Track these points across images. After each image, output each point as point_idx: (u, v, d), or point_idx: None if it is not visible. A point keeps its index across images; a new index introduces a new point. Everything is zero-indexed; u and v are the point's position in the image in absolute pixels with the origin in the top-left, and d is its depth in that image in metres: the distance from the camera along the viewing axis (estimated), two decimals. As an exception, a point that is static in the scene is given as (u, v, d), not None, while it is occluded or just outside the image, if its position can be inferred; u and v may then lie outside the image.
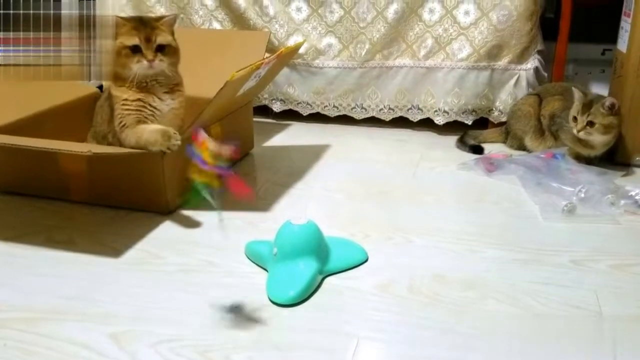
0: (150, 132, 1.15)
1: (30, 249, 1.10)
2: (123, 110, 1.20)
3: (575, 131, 1.37)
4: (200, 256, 1.07)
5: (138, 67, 1.18)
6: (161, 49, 1.19)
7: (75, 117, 1.45)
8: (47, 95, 1.46)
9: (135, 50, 1.17)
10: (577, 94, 1.39)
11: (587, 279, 0.98)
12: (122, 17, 1.19)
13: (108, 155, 1.21)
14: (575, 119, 1.38)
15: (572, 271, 1.01)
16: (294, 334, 0.85)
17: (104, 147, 1.24)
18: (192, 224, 1.18)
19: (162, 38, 1.19)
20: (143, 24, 1.18)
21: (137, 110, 1.20)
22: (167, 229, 1.17)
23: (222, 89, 1.13)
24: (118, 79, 1.21)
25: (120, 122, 1.19)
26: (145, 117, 1.20)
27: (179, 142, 1.12)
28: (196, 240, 1.13)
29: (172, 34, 1.23)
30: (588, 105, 1.36)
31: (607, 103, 1.34)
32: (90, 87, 1.63)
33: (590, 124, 1.35)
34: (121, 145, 1.20)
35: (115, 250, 1.09)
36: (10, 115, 1.32)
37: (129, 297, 0.94)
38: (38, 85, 1.50)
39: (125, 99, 1.20)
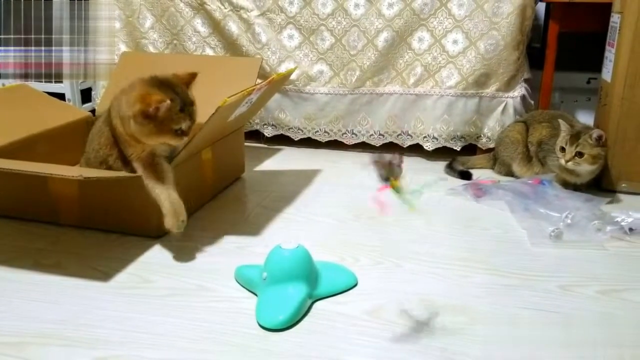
0: (164, 199, 1.12)
1: (18, 273, 1.09)
2: (137, 149, 1.16)
3: (563, 162, 1.39)
4: (189, 280, 1.07)
5: (178, 143, 1.13)
6: None
7: (66, 141, 1.46)
8: (39, 119, 1.47)
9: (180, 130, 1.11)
10: (563, 126, 1.41)
11: (575, 305, 0.99)
12: (155, 90, 1.07)
13: (99, 180, 1.21)
14: (562, 149, 1.40)
15: (560, 297, 1.01)
16: (283, 359, 0.85)
17: (94, 171, 1.24)
18: (182, 248, 1.18)
19: (195, 112, 1.13)
20: (184, 102, 1.10)
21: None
22: (156, 253, 1.17)
23: (213, 114, 1.14)
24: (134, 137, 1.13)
25: (132, 153, 1.16)
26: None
27: (181, 231, 1.12)
28: (186, 265, 1.12)
29: None
30: (576, 136, 1.38)
31: (595, 135, 1.37)
32: (82, 112, 1.64)
33: (579, 154, 1.37)
34: (132, 170, 1.17)
35: (104, 274, 1.09)
36: (2, 139, 1.33)
37: (117, 321, 0.94)
38: (30, 109, 1.51)
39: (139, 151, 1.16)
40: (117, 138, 1.18)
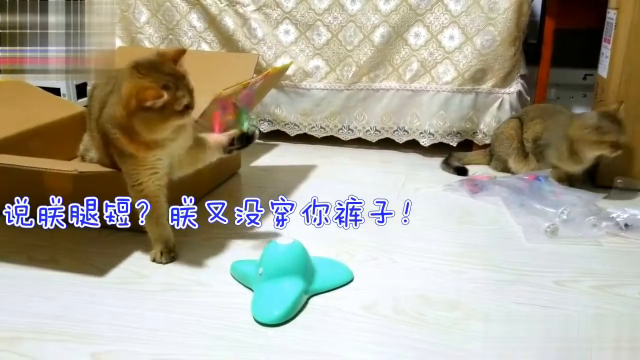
0: (158, 232, 1.12)
1: (13, 268, 1.09)
2: (138, 167, 1.09)
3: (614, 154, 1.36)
4: (184, 275, 1.06)
5: (187, 120, 1.06)
6: None
7: (61, 137, 1.45)
8: (34, 114, 1.46)
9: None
10: (592, 119, 1.37)
11: (570, 300, 0.99)
12: (145, 80, 0.99)
13: (94, 174, 1.20)
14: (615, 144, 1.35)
15: (555, 292, 1.02)
16: (278, 354, 0.85)
17: (90, 165, 1.24)
18: (177, 243, 1.17)
19: (190, 82, 1.05)
20: (176, 79, 1.02)
21: (151, 167, 1.10)
22: (151, 248, 1.16)
23: (209, 105, 1.14)
24: (135, 136, 1.04)
25: (136, 180, 1.10)
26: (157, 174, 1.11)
27: (166, 263, 1.12)
28: (181, 260, 1.12)
29: None
30: (615, 121, 1.35)
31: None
32: (77, 107, 1.63)
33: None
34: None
35: (99, 269, 1.08)
36: (-5, 134, 1.32)
37: (112, 316, 0.93)
38: (24, 104, 1.50)
39: (143, 159, 1.08)
40: (118, 158, 1.11)
